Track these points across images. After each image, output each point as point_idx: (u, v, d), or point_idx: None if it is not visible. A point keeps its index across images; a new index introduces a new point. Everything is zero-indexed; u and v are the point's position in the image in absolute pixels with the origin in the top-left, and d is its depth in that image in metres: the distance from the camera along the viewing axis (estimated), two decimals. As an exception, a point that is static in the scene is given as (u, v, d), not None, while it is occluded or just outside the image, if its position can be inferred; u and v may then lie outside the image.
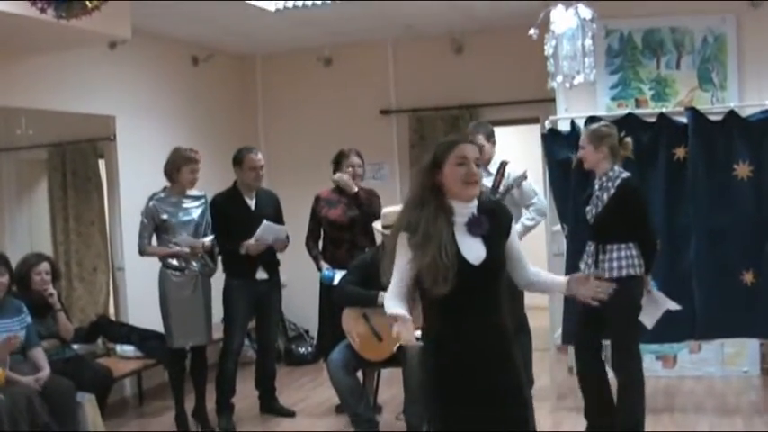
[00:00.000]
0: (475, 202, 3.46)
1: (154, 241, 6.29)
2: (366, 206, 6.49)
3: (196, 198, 6.36)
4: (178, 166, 6.22)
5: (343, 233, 6.56)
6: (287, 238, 6.58)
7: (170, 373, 6.52)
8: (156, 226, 6.23)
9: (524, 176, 6.37)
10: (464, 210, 3.42)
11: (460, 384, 3.41)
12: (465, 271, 3.32)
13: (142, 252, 6.30)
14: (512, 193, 6.37)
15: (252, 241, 6.34)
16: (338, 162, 6.65)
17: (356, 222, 6.52)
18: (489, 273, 3.39)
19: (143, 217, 6.25)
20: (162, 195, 6.26)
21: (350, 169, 6.58)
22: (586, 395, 5.65)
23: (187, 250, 6.16)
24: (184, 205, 6.28)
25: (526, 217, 6.50)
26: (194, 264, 6.24)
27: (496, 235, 3.43)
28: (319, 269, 6.59)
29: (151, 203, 6.21)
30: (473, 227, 3.39)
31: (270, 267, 6.60)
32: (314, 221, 6.71)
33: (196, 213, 6.30)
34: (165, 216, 6.19)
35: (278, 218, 6.69)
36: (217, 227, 6.41)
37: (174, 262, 6.22)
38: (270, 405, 6.82)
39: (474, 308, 3.37)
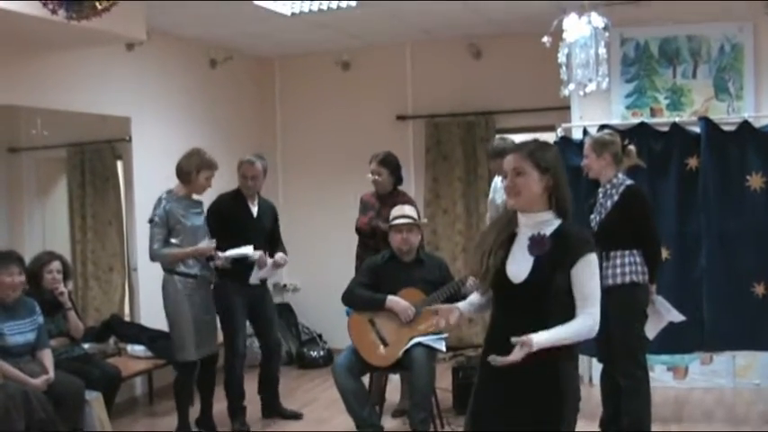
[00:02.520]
0: (547, 218, 3.35)
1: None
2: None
3: (198, 203, 6.21)
4: (198, 169, 6.06)
5: (368, 239, 6.57)
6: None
7: (179, 385, 6.20)
8: (167, 229, 6.00)
9: None
10: (531, 224, 3.36)
11: (478, 388, 3.48)
12: (503, 285, 3.32)
13: (155, 258, 6.03)
14: None
15: (224, 254, 6.19)
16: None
17: (377, 231, 6.48)
18: (527, 294, 3.29)
19: (155, 219, 5.99)
20: (173, 198, 6.05)
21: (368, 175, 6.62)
22: (605, 405, 5.64)
23: (208, 251, 6.02)
24: (194, 210, 6.13)
25: None
26: (200, 269, 6.08)
27: (556, 260, 3.28)
28: None
29: (166, 206, 5.99)
30: (532, 244, 3.32)
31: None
32: None
33: (202, 218, 6.19)
34: (178, 219, 5.99)
35: (274, 229, 6.67)
36: (216, 227, 6.24)
37: (184, 269, 6.01)
38: (274, 409, 6.77)
39: (509, 323, 3.31)
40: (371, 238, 6.53)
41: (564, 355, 3.27)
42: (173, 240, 6.02)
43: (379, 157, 6.60)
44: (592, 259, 3.31)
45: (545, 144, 3.48)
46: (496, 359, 3.16)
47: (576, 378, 3.53)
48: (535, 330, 3.17)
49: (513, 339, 3.15)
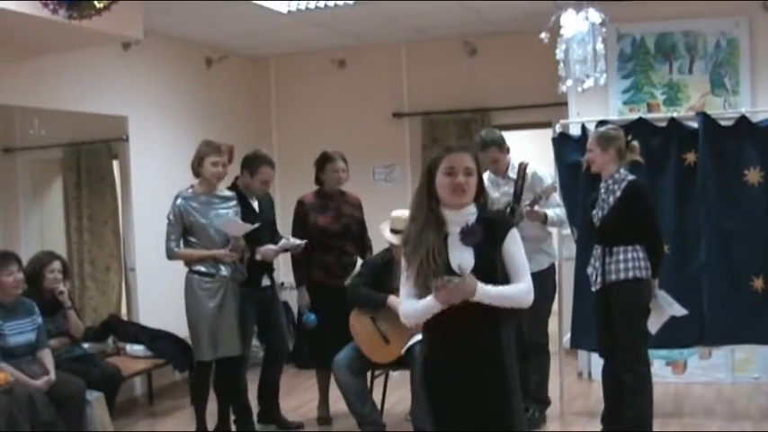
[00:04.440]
0: (473, 211, 3.51)
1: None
2: (356, 213, 6.50)
3: (226, 198, 5.96)
4: (201, 157, 5.85)
5: (334, 240, 6.40)
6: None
7: (194, 385, 6.19)
8: (184, 228, 5.84)
9: (553, 187, 6.15)
10: (459, 219, 3.48)
11: (439, 387, 3.52)
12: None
13: (171, 257, 5.86)
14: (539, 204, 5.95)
15: (266, 247, 6.11)
16: (322, 165, 6.47)
17: (348, 229, 6.42)
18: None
19: (170, 218, 5.83)
20: (189, 194, 5.87)
21: (335, 173, 6.43)
22: (607, 400, 5.65)
23: (227, 251, 5.80)
24: (215, 205, 5.89)
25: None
26: (223, 269, 5.85)
27: (489, 244, 3.46)
28: (299, 285, 6.45)
29: (178, 202, 5.81)
30: (465, 236, 3.45)
31: (270, 272, 6.36)
32: (302, 228, 6.40)
33: (230, 213, 5.92)
34: (194, 217, 5.80)
35: (275, 222, 6.55)
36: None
37: (203, 268, 5.82)
38: (271, 416, 6.47)
39: (462, 316, 3.39)
40: (339, 238, 6.40)
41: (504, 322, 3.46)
42: (191, 239, 5.86)
43: (341, 154, 6.48)
44: (516, 232, 3.55)
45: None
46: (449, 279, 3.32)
47: (513, 343, 3.60)
48: (487, 319, 3.40)
49: (461, 267, 3.37)
